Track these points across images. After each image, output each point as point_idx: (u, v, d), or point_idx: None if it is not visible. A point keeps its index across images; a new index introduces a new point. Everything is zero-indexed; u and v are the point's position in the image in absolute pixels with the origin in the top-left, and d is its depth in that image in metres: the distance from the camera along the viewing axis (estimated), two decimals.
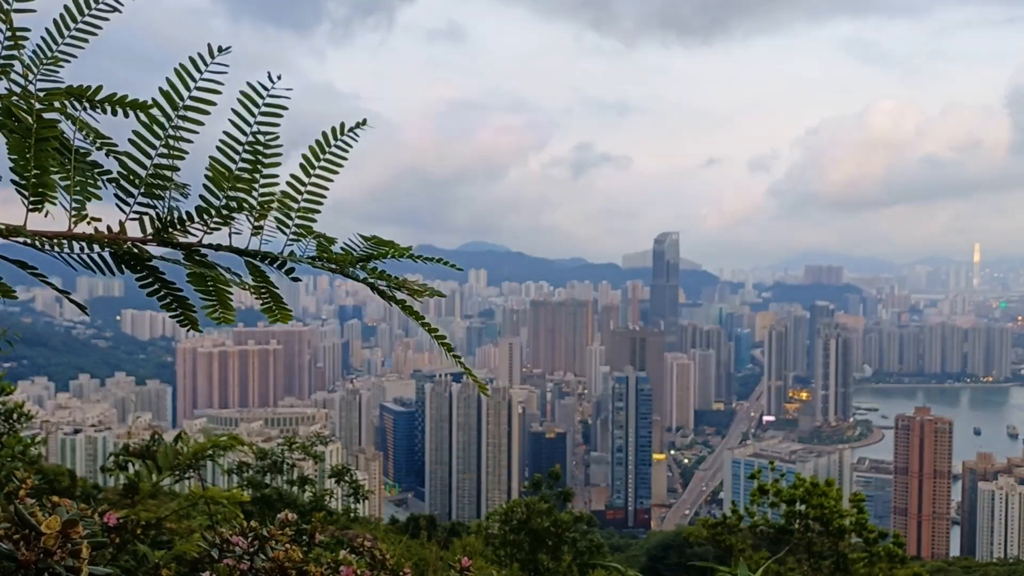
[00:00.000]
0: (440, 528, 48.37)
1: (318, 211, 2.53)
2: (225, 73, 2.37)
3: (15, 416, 8.78)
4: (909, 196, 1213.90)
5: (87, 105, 2.51)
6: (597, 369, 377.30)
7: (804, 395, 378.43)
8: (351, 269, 2.53)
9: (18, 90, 2.37)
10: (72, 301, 2.66)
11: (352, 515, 22.96)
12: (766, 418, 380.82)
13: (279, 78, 2.42)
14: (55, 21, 2.50)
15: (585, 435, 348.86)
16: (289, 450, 20.18)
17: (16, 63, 2.40)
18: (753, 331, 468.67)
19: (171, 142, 2.41)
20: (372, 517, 50.09)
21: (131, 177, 2.42)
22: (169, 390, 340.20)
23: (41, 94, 2.37)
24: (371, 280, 2.54)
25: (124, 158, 2.43)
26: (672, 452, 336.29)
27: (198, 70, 2.36)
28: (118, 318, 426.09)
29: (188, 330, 2.68)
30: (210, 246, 2.47)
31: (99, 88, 2.49)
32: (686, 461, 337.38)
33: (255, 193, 2.48)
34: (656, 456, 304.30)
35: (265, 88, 2.43)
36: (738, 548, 19.28)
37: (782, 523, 19.17)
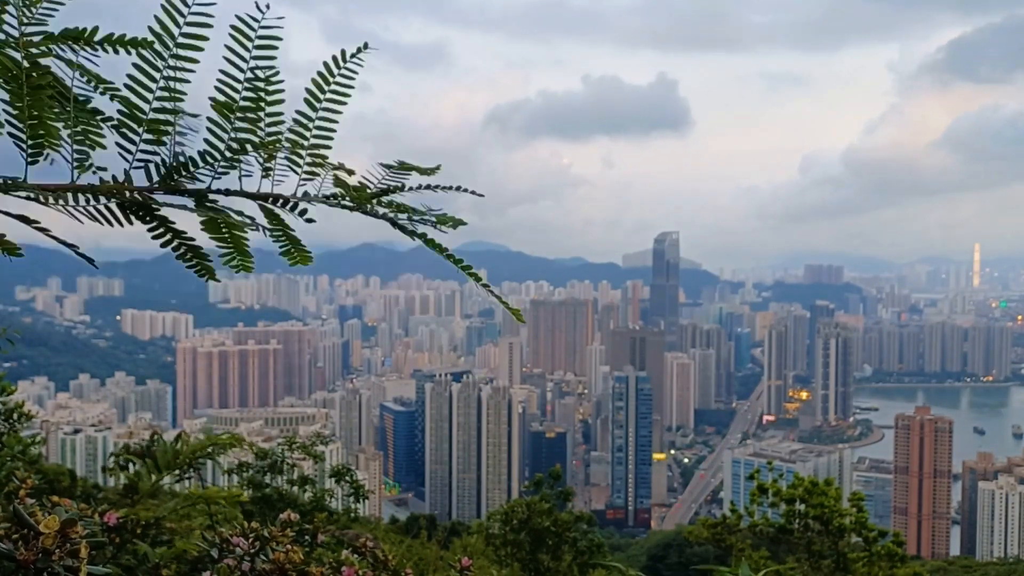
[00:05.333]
0: (440, 528, 48.43)
1: (329, 147, 2.46)
2: (214, 4, 2.29)
3: (16, 416, 8.79)
4: (909, 195, 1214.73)
5: (85, 48, 2.40)
6: (597, 369, 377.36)
7: (804, 395, 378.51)
8: (370, 205, 2.44)
9: (12, 37, 2.28)
10: (80, 254, 2.50)
11: (352, 515, 22.95)
12: (766, 418, 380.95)
13: (268, 7, 2.34)
14: None
15: (585, 435, 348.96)
16: (289, 450, 20.17)
17: (10, 7, 2.30)
18: (753, 331, 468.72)
19: (169, 83, 2.33)
20: (372, 517, 50.13)
21: (132, 121, 2.35)
22: (169, 390, 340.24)
23: (35, 39, 2.29)
24: (391, 215, 2.46)
25: (124, 102, 2.36)
26: (672, 452, 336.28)
27: (186, 4, 2.28)
28: (118, 318, 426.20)
29: (207, 279, 2.59)
30: (220, 191, 2.40)
31: (96, 29, 2.37)
32: (686, 461, 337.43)
33: (260, 132, 2.41)
34: (656, 456, 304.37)
35: (255, 19, 2.34)
36: (738, 548, 19.29)
37: (782, 523, 19.18)
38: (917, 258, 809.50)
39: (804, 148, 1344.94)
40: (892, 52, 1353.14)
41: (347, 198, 2.42)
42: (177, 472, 5.32)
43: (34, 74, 2.19)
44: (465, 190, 2.63)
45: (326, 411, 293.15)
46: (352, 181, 2.43)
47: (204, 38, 2.31)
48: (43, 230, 2.36)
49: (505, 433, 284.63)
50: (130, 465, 5.45)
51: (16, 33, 2.29)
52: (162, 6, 2.29)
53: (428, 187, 2.47)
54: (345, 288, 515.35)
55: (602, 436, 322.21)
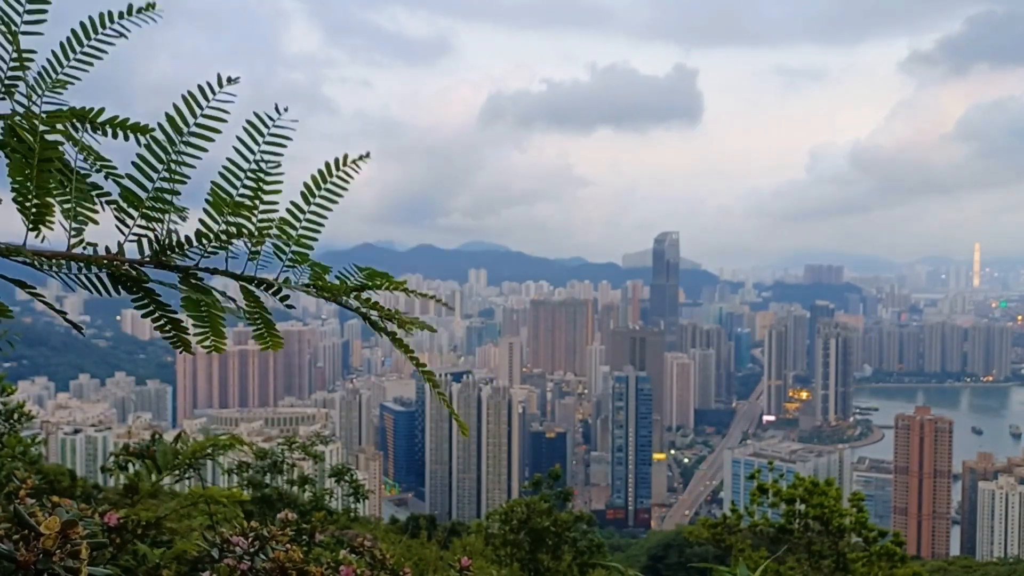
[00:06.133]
0: (440, 528, 48.46)
1: (315, 239, 2.57)
2: (232, 102, 2.41)
3: (16, 417, 8.79)
4: (916, 193, 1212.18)
5: (89, 127, 2.55)
6: (597, 369, 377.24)
7: (804, 395, 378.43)
8: (344, 298, 2.57)
9: (22, 111, 2.40)
10: (69, 322, 2.69)
11: (352, 515, 22.95)
12: (766, 417, 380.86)
13: (286, 110, 2.46)
14: (62, 44, 2.53)
15: (585, 435, 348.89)
16: (289, 450, 20.16)
17: (21, 84, 2.43)
18: (753, 331, 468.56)
19: (174, 166, 2.44)
20: (372, 517, 50.12)
21: (131, 200, 2.45)
22: (169, 390, 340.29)
23: (44, 115, 2.40)
24: (363, 310, 2.59)
25: (125, 181, 2.46)
26: (672, 452, 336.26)
27: (206, 98, 2.40)
28: (118, 318, 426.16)
29: (181, 352, 2.70)
30: (207, 270, 2.50)
31: (101, 111, 2.54)
32: (686, 461, 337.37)
33: (254, 219, 2.51)
34: (656, 456, 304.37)
35: (271, 118, 2.47)
36: (738, 548, 19.29)
37: (782, 523, 19.19)
38: (917, 258, 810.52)
39: (811, 146, 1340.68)
40: (907, 44, 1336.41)
41: (325, 290, 2.57)
42: (177, 472, 5.32)
43: (38, 148, 2.28)
44: (437, 300, 2.83)
45: (326, 411, 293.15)
46: (327, 277, 2.58)
47: (217, 131, 2.43)
48: (37, 295, 2.50)
49: (505, 433, 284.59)
50: (130, 465, 5.45)
51: (28, 105, 2.42)
52: (182, 96, 2.39)
53: (404, 290, 2.63)
54: None
55: (602, 436, 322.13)
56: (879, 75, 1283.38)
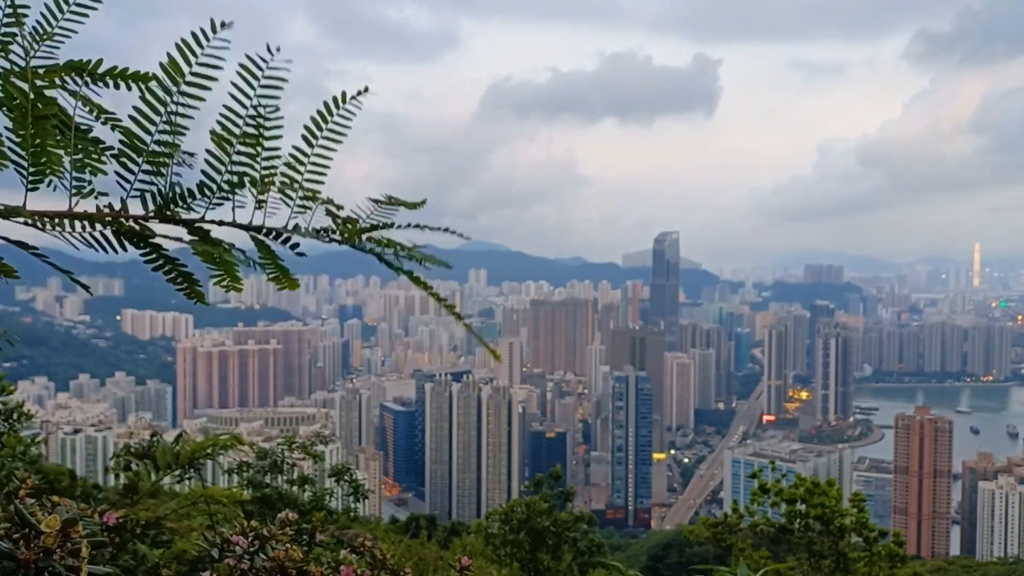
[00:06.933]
0: (440, 528, 48.39)
1: (322, 183, 2.51)
2: (227, 48, 2.35)
3: (15, 416, 8.78)
4: (914, 192, 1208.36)
5: (89, 80, 2.47)
6: (597, 369, 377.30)
7: (804, 394, 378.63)
8: (358, 239, 2.49)
9: (18, 68, 2.34)
10: (76, 281, 2.63)
11: (352, 515, 22.93)
12: (766, 418, 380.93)
13: (278, 50, 2.40)
14: None
15: (585, 435, 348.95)
16: (289, 450, 20.15)
17: (16, 40, 2.37)
18: (753, 330, 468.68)
19: (173, 117, 2.38)
20: (372, 517, 50.13)
21: (133, 151, 2.39)
22: (169, 390, 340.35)
23: (40, 71, 2.34)
24: (377, 251, 2.51)
25: (128, 123, 2.40)
26: (672, 451, 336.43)
27: (200, 45, 2.33)
28: (118, 318, 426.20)
29: (196, 303, 2.66)
30: (213, 222, 2.45)
31: (99, 62, 2.45)
32: (686, 460, 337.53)
33: (257, 167, 2.46)
34: (656, 455, 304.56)
35: (264, 60, 2.40)
36: (738, 547, 19.29)
37: (782, 522, 19.18)
38: (917, 258, 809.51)
39: (817, 142, 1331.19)
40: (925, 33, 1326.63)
41: (337, 232, 2.47)
42: (177, 472, 5.31)
43: (39, 104, 2.24)
44: (453, 232, 2.70)
45: (326, 411, 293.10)
46: (341, 215, 2.49)
47: (213, 78, 2.37)
48: (41, 256, 2.42)
49: (505, 433, 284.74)
50: (131, 465, 5.45)
51: (23, 63, 2.35)
52: (176, 45, 2.33)
53: (416, 226, 2.52)
54: (345, 288, 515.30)
55: (602, 436, 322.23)
56: (895, 68, 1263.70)
